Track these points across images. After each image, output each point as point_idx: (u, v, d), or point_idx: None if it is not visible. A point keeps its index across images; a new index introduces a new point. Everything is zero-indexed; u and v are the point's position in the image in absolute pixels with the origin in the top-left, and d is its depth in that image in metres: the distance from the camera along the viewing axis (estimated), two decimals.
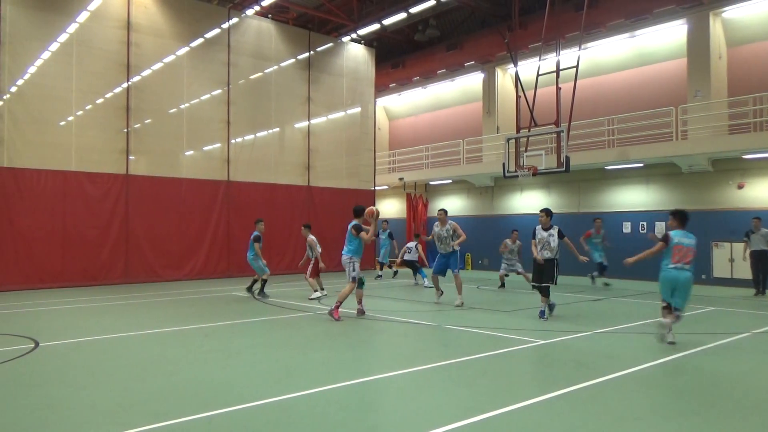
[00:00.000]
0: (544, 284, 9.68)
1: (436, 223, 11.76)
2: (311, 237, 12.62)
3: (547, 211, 9.98)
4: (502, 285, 14.97)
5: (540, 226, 9.93)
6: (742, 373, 6.21)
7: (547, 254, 9.71)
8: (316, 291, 12.59)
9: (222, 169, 18.32)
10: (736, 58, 17.38)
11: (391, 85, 26.00)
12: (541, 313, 9.68)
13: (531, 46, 19.29)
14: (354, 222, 9.87)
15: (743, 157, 15.55)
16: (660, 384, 5.74)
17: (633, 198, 18.10)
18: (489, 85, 22.70)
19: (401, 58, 24.69)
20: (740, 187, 15.91)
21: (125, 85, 16.22)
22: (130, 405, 4.93)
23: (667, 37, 18.25)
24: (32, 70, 14.95)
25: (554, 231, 9.78)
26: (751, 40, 17.07)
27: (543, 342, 7.72)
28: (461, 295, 11.32)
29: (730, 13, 16.82)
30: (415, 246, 16.63)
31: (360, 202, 21.02)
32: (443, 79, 24.56)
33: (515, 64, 16.44)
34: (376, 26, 21.37)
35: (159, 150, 17.05)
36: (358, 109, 22.39)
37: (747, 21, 16.90)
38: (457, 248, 11.48)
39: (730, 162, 16.03)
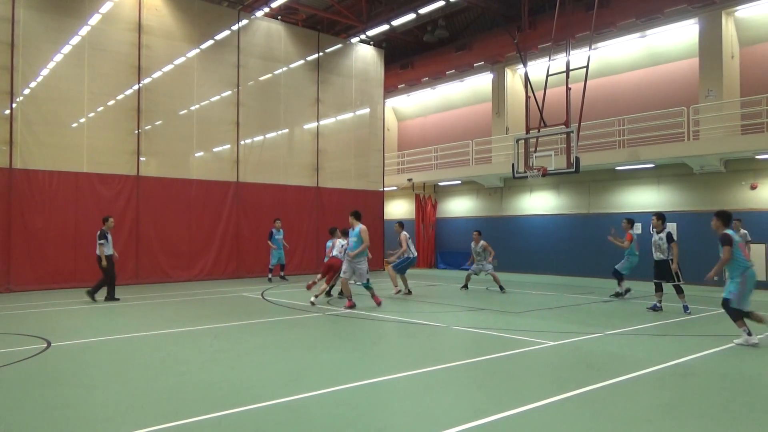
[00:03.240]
0: (670, 282, 10.39)
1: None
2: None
3: (658, 215, 10.60)
4: (465, 286, 14.60)
5: (654, 229, 10.61)
6: (756, 375, 6.14)
7: (660, 255, 10.43)
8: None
9: (231, 171, 18.40)
10: (748, 57, 17.20)
11: (400, 86, 25.98)
12: (685, 308, 10.36)
13: (540, 46, 19.21)
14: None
15: (756, 157, 15.38)
16: (672, 386, 5.69)
17: (644, 199, 17.96)
18: (498, 86, 22.63)
19: (410, 59, 24.69)
20: (753, 187, 15.75)
21: (136, 87, 16.34)
22: (141, 405, 4.96)
23: (679, 36, 18.10)
24: (45, 72, 15.09)
25: (663, 234, 10.41)
26: (765, 39, 16.89)
27: (553, 343, 7.68)
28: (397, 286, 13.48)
29: (742, 12, 16.66)
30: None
31: (369, 203, 21.47)
32: (452, 80, 24.51)
33: (525, 65, 16.36)
34: (385, 27, 21.37)
35: (169, 151, 17.16)
36: (367, 110, 22.40)
37: (760, 20, 16.72)
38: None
39: (743, 162, 15.87)
